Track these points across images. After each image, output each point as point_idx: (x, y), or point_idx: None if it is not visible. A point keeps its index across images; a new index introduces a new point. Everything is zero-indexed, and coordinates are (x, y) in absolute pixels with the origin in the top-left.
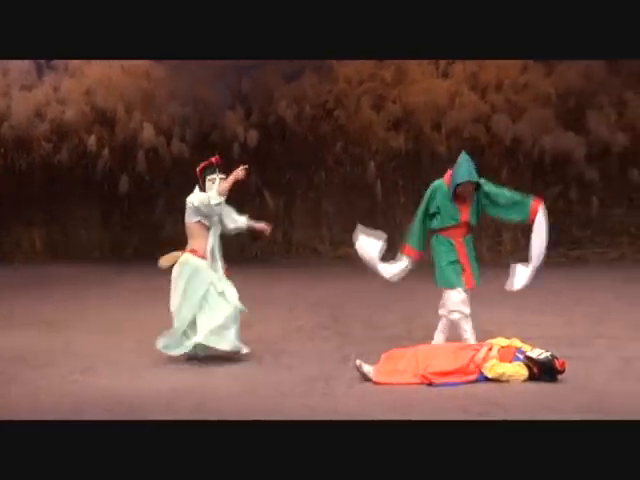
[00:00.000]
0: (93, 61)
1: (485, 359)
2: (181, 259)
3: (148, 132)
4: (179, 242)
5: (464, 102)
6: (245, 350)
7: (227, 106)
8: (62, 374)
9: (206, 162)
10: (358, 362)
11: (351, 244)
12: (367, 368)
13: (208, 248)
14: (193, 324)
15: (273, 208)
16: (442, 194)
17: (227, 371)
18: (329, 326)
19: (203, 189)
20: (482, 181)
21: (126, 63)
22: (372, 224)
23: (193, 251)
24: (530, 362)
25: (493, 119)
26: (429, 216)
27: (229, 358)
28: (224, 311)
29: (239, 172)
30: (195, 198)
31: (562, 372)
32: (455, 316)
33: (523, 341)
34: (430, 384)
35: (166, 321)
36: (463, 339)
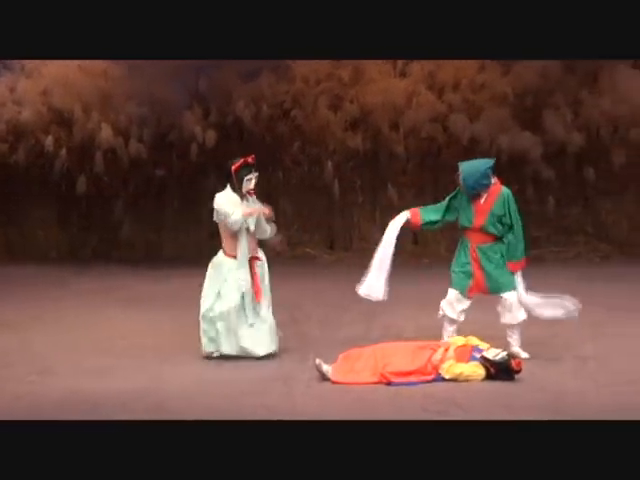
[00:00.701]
0: (50, 61)
1: (442, 360)
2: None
3: (106, 132)
4: (137, 243)
5: (421, 102)
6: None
7: (185, 106)
8: (19, 375)
9: (242, 161)
10: (317, 361)
11: (308, 244)
12: (326, 368)
13: (239, 249)
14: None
15: None
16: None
17: (185, 371)
18: (287, 326)
19: (237, 188)
20: (505, 191)
21: (83, 63)
22: (330, 224)
23: (222, 249)
24: (487, 362)
25: (450, 119)
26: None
27: (188, 358)
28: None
29: (266, 210)
30: (218, 202)
31: (519, 372)
32: (439, 313)
33: (481, 339)
34: (388, 383)
35: (123, 321)
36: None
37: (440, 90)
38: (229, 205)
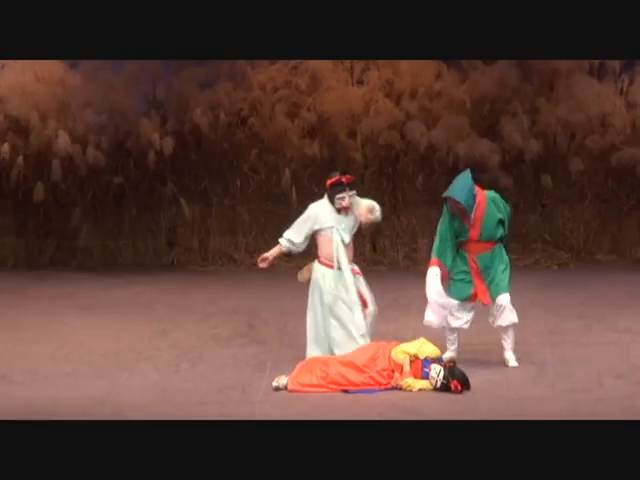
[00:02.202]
0: (6, 69)
1: (401, 378)
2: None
3: (63, 140)
4: (95, 250)
5: (379, 109)
6: None
7: (142, 113)
8: None
9: (335, 179)
10: (274, 384)
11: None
12: (284, 382)
13: (335, 257)
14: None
15: (189, 216)
16: None
17: (144, 380)
18: (245, 333)
19: (332, 201)
20: (491, 195)
21: (40, 71)
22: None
23: (318, 259)
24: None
25: (408, 126)
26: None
27: (146, 365)
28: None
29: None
30: (305, 212)
31: (460, 392)
32: (453, 324)
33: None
34: (346, 391)
35: (82, 328)
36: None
37: (397, 98)
38: (299, 224)
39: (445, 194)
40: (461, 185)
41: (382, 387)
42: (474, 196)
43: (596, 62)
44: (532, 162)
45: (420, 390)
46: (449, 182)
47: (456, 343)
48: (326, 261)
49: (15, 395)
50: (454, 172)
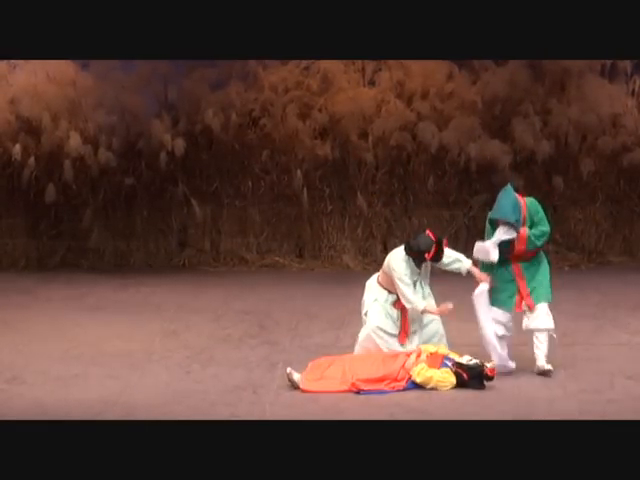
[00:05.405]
0: (17, 70)
1: (415, 364)
2: None
3: (74, 141)
4: (106, 251)
5: (390, 110)
6: None
7: (154, 114)
8: None
9: (435, 248)
10: (288, 370)
11: (277, 252)
12: (297, 376)
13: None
14: None
15: (200, 217)
16: None
17: (155, 381)
18: (256, 334)
19: (418, 265)
20: (528, 200)
21: (51, 71)
22: (299, 232)
23: (378, 278)
24: (460, 368)
25: (419, 127)
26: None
27: (157, 366)
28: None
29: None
30: (401, 278)
31: (492, 378)
32: (498, 332)
33: (448, 348)
34: (358, 392)
35: (92, 329)
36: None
37: (409, 99)
38: (411, 289)
39: (491, 215)
40: (501, 206)
41: (394, 388)
42: (517, 209)
43: (607, 63)
44: (543, 163)
45: (431, 377)
46: (460, 183)
47: (506, 349)
48: (384, 283)
49: (26, 396)
50: (465, 173)
